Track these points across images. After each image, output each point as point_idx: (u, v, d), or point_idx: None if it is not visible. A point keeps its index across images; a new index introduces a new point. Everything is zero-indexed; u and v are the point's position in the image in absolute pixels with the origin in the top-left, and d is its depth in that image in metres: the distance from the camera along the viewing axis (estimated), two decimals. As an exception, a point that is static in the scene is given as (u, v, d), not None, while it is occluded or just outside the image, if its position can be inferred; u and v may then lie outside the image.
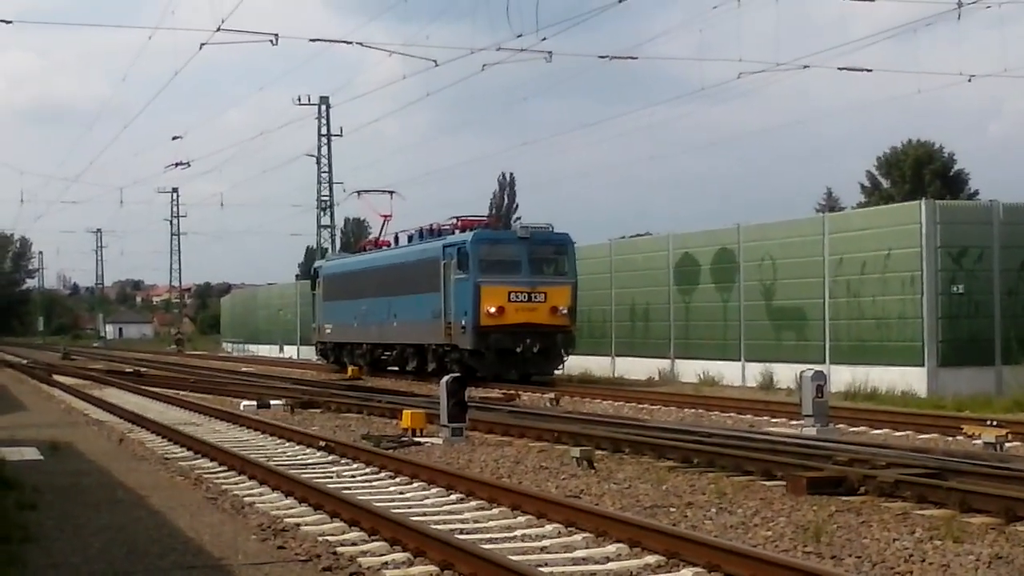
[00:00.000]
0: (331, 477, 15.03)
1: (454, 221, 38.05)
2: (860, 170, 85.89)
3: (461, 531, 11.02)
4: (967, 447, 17.26)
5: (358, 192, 46.74)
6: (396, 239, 42.85)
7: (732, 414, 23.95)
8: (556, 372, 35.78)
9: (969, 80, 31.48)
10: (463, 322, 34.42)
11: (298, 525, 11.35)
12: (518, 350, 33.94)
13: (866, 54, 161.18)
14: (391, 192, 45.62)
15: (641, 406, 26.48)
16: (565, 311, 34.61)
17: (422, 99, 65.45)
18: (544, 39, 29.46)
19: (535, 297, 34.39)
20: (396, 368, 40.94)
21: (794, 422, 20.94)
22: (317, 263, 52.13)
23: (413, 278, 38.24)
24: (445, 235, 37.53)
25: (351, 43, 38.61)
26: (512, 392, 29.74)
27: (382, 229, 45.22)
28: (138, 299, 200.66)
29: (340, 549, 10.15)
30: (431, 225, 39.25)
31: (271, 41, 31.37)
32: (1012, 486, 12.05)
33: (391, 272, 40.68)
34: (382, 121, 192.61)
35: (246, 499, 13.13)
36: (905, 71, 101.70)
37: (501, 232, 37.15)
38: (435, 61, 32.37)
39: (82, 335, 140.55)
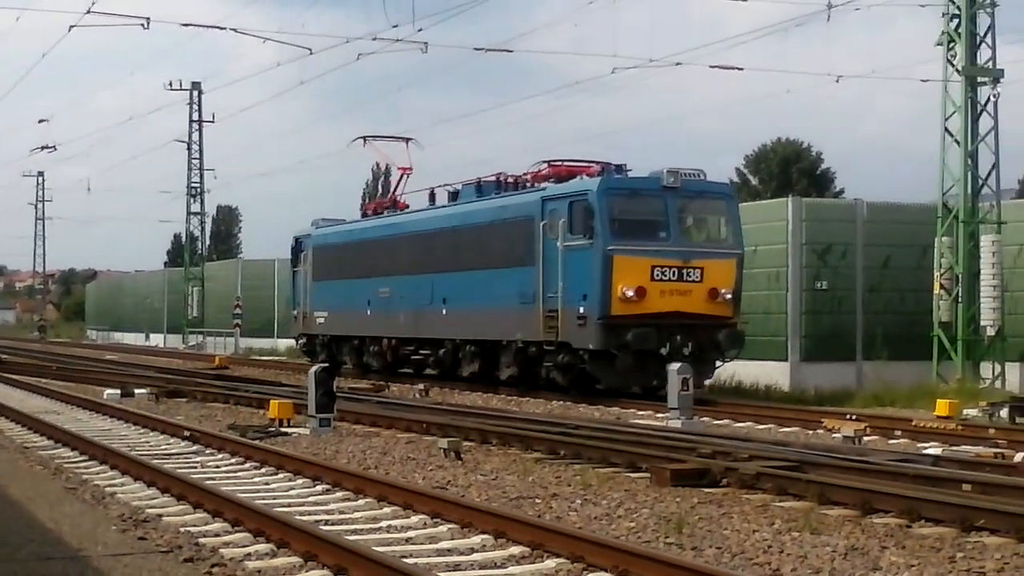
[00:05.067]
0: (195, 467, 14.83)
1: (543, 167, 28.05)
2: (731, 167, 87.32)
3: (326, 522, 10.96)
4: (827, 440, 17.66)
5: (363, 138, 36.25)
6: (432, 196, 32.69)
7: (599, 407, 24.14)
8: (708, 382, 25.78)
9: (837, 80, 32.11)
10: (581, 310, 24.59)
11: (160, 516, 11.17)
12: (663, 351, 23.89)
13: (739, 53, 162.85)
14: (407, 139, 35.49)
15: (510, 398, 26.58)
16: (729, 295, 25.09)
17: (296, 87, 64.74)
18: (420, 30, 29.47)
19: (688, 275, 24.69)
20: (435, 372, 31.15)
21: (660, 415, 21.22)
22: (301, 232, 38.83)
23: (482, 247, 28.35)
24: (528, 188, 27.80)
25: (225, 28, 38.39)
26: (381, 383, 29.60)
27: (397, 185, 35.97)
28: (0, 284, 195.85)
29: (202, 540, 10.02)
30: (497, 176, 29.23)
31: (143, 25, 30.99)
32: (868, 479, 12.37)
33: (439, 239, 30.31)
34: (256, 108, 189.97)
35: (107, 489, 12.89)
36: (775, 70, 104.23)
37: (639, 179, 25.91)
38: (310, 49, 32.18)
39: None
